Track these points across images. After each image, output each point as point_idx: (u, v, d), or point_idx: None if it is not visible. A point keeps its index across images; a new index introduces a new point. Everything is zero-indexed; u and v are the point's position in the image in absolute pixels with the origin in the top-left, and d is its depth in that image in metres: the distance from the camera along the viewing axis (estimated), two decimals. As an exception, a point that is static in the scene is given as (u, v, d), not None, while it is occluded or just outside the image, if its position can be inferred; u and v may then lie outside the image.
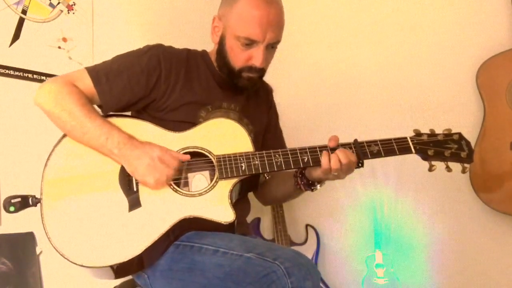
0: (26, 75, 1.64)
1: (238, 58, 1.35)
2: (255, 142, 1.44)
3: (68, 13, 1.76)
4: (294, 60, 2.35)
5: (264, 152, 1.27)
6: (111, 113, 1.32)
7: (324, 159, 1.27)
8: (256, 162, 1.26)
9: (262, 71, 1.38)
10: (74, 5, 1.77)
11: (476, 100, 2.08)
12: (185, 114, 1.36)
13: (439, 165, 1.34)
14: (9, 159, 1.58)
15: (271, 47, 1.36)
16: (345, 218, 2.29)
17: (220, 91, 1.44)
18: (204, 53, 1.49)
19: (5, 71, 1.60)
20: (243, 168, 1.25)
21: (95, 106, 1.31)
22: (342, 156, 1.26)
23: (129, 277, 1.46)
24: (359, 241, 2.28)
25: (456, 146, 1.34)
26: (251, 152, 1.28)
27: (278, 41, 1.36)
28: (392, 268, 2.15)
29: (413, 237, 2.20)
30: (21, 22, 1.65)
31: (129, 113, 1.39)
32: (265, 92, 1.63)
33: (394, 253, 2.18)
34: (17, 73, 1.62)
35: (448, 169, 1.34)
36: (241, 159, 1.26)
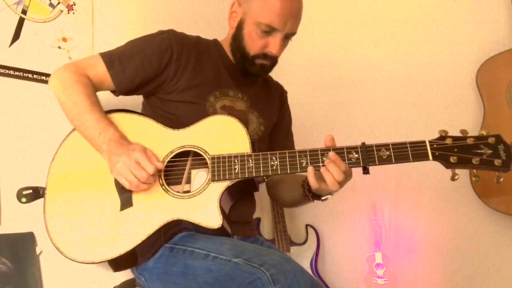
0: (26, 75, 1.64)
1: (254, 44, 1.37)
2: (264, 136, 1.45)
3: (68, 13, 1.76)
4: (297, 58, 2.35)
5: (260, 154, 1.22)
6: (115, 108, 1.33)
7: (309, 176, 1.19)
8: (251, 164, 1.20)
9: (275, 60, 1.41)
10: (74, 5, 1.77)
11: (476, 100, 2.08)
12: (194, 96, 1.37)
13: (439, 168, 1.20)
14: (9, 159, 1.58)
15: (286, 38, 1.39)
16: (345, 218, 2.29)
17: (229, 79, 1.45)
18: (215, 41, 1.51)
19: (5, 71, 1.60)
20: (236, 170, 1.21)
21: (106, 97, 1.33)
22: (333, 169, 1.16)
23: (129, 277, 1.47)
24: (359, 241, 2.28)
25: (490, 152, 1.12)
26: (246, 153, 1.22)
27: (294, 33, 1.40)
28: (392, 268, 2.15)
29: (413, 237, 2.20)
30: (21, 22, 1.65)
31: (132, 109, 1.39)
32: (279, 91, 1.62)
33: (394, 253, 2.18)
34: (17, 73, 1.62)
35: (454, 176, 1.14)
36: (236, 160, 1.21)
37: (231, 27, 1.44)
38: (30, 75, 1.65)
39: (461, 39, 2.17)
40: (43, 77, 1.67)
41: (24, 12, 1.66)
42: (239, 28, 1.39)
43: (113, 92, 1.38)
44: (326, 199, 1.30)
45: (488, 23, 2.12)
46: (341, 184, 1.18)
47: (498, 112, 1.97)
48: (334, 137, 1.22)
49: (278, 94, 1.61)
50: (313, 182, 1.20)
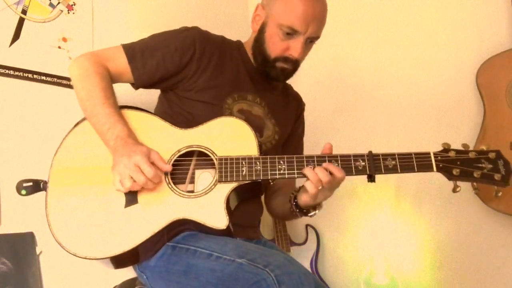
0: (26, 75, 1.64)
1: (276, 46, 1.36)
2: (277, 145, 1.44)
3: (68, 13, 1.76)
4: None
5: (268, 157, 1.22)
6: (125, 105, 1.33)
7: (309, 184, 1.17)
8: (258, 167, 1.21)
9: (296, 64, 1.40)
10: (74, 5, 1.77)
11: (476, 100, 2.08)
12: (212, 97, 1.36)
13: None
14: (9, 159, 1.58)
15: (310, 42, 1.38)
16: (345, 218, 2.29)
17: (249, 82, 1.44)
18: (239, 43, 1.50)
19: (5, 71, 1.60)
20: (244, 172, 1.21)
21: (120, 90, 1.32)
22: (322, 175, 1.16)
23: (129, 277, 1.47)
24: (359, 241, 2.28)
25: (490, 166, 1.16)
26: (254, 156, 1.23)
27: (317, 37, 1.39)
28: (392, 268, 2.14)
29: (413, 236, 2.20)
30: (21, 22, 1.65)
31: (147, 103, 1.40)
32: (297, 102, 1.61)
33: (394, 253, 2.18)
34: (17, 73, 1.62)
35: (456, 188, 1.17)
36: (243, 163, 1.21)
37: (254, 30, 1.43)
38: (30, 75, 1.65)
39: (461, 39, 2.17)
40: (43, 77, 1.67)
41: (24, 12, 1.66)
42: (261, 31, 1.39)
43: (132, 84, 1.38)
44: (313, 214, 1.30)
45: (488, 23, 2.11)
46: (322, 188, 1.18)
47: (498, 112, 1.97)
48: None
49: (296, 105, 1.59)
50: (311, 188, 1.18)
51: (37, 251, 1.57)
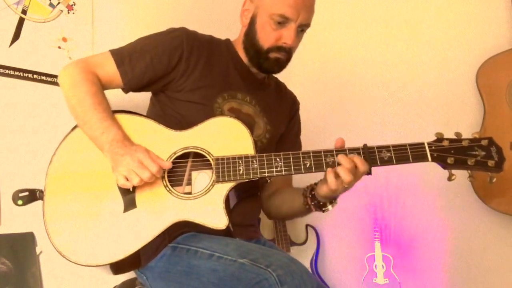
0: (26, 75, 1.64)
1: (268, 37, 1.36)
2: (269, 144, 1.43)
3: (68, 13, 1.76)
4: (298, 59, 2.35)
5: (264, 155, 1.22)
6: (118, 109, 1.32)
7: (330, 177, 1.17)
8: (255, 165, 1.21)
9: (290, 53, 1.39)
10: (74, 5, 1.77)
11: (476, 100, 2.08)
12: (202, 97, 1.36)
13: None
14: (9, 159, 1.58)
15: (301, 30, 1.38)
16: (345, 218, 2.29)
17: (239, 81, 1.43)
18: (227, 42, 1.49)
19: (5, 71, 1.60)
20: (241, 172, 1.21)
21: (111, 98, 1.32)
22: (347, 170, 1.17)
23: (129, 277, 1.47)
24: (359, 241, 2.28)
25: (484, 154, 1.17)
26: (250, 154, 1.23)
27: (308, 25, 1.39)
28: (392, 268, 2.15)
29: (413, 237, 2.20)
30: (21, 22, 1.65)
31: (135, 110, 1.39)
32: (291, 101, 1.60)
33: (394, 253, 2.18)
34: (17, 73, 1.62)
35: (451, 177, 1.18)
36: (240, 162, 1.21)
37: (243, 25, 1.43)
38: (30, 75, 1.65)
39: (461, 39, 2.17)
40: (43, 77, 1.67)
41: (24, 12, 1.66)
42: (252, 23, 1.39)
43: (122, 89, 1.38)
44: (327, 209, 1.30)
45: (488, 23, 2.12)
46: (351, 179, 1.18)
47: (498, 112, 1.97)
48: (334, 137, 1.24)
49: (290, 103, 1.58)
50: (332, 182, 1.18)
51: (37, 251, 1.57)
